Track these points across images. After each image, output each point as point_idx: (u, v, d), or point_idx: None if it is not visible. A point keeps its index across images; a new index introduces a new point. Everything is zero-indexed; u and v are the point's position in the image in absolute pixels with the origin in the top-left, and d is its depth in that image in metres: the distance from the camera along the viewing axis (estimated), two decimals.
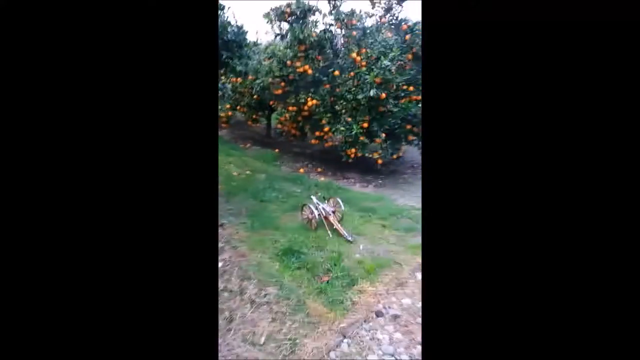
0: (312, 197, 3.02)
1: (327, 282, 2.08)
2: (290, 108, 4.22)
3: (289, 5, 3.77)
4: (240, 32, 2.69)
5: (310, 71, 3.87)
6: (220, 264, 2.20)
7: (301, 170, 4.54)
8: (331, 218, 2.75)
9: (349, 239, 2.62)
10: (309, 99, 4.01)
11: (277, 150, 5.27)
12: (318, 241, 2.57)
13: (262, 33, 6.03)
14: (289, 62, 3.93)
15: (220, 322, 1.71)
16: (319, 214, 2.74)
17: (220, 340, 1.57)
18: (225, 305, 1.84)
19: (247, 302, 1.87)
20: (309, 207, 2.74)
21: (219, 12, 2.54)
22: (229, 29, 2.58)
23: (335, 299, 1.94)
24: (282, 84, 4.02)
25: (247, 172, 4.32)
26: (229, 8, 2.57)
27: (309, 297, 1.94)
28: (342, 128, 3.88)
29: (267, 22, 3.77)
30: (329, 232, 2.69)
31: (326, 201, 2.99)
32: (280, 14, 3.76)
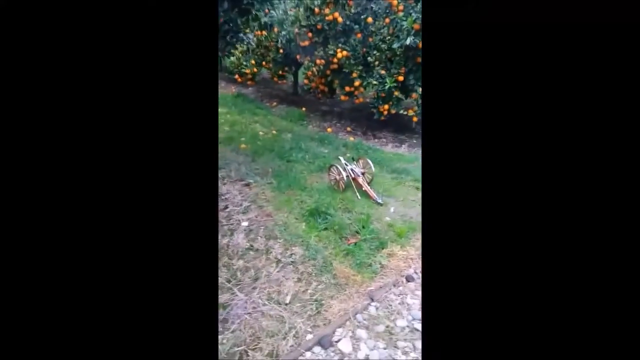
0: (339, 157, 2.87)
1: (355, 244, 2.01)
2: (318, 61, 3.93)
3: None
4: None
5: (340, 19, 3.51)
6: (246, 223, 2.19)
7: (329, 129, 4.35)
8: (360, 179, 2.62)
9: (379, 201, 2.50)
10: (338, 50, 3.69)
11: (303, 108, 5.07)
12: (346, 203, 2.47)
13: None
14: (316, 10, 3.58)
15: (246, 280, 1.71)
16: (347, 175, 2.60)
17: (245, 298, 1.58)
18: (250, 263, 1.84)
19: (273, 262, 1.86)
20: (337, 168, 2.60)
21: None
22: None
23: (364, 262, 1.87)
24: (310, 34, 3.71)
25: (273, 131, 4.21)
26: None
27: (336, 259, 1.89)
28: (375, 82, 3.57)
29: None
30: (357, 194, 2.58)
31: (355, 162, 2.83)
32: None
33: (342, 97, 4.18)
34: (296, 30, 3.65)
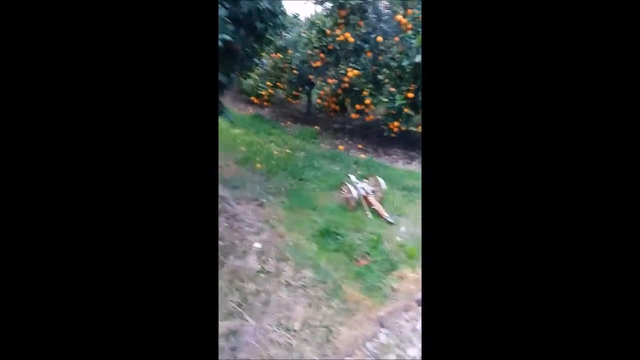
0: (350, 175, 2.87)
1: (365, 266, 1.98)
2: (330, 81, 4.00)
3: None
4: None
5: (351, 39, 3.58)
6: (258, 245, 2.21)
7: (340, 147, 4.37)
8: (371, 198, 2.60)
9: (390, 220, 2.46)
10: (349, 69, 3.74)
11: (316, 127, 5.14)
12: (356, 222, 2.45)
13: (302, 4, 5.70)
14: (328, 31, 3.67)
15: (257, 304, 1.71)
16: (357, 194, 2.60)
17: (255, 324, 1.57)
18: (262, 287, 1.84)
19: (283, 285, 1.85)
20: (347, 186, 2.60)
21: None
22: None
23: (374, 285, 1.84)
24: (321, 55, 3.80)
25: (287, 150, 4.27)
26: None
27: (346, 282, 1.86)
28: (385, 99, 3.59)
29: None
30: (368, 212, 2.55)
31: (365, 180, 2.82)
32: None
33: (353, 115, 4.20)
34: (308, 51, 3.74)
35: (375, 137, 4.52)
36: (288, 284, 1.86)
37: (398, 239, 2.29)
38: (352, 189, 2.56)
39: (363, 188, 2.65)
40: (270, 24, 2.52)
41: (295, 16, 4.92)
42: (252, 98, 5.51)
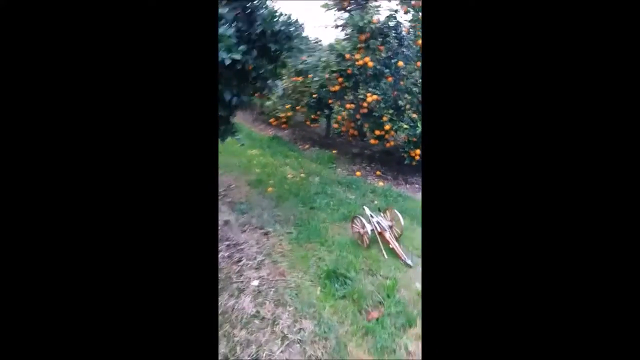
0: (365, 207, 2.58)
1: (377, 320, 1.65)
2: (348, 105, 3.81)
3: None
4: (290, 22, 2.38)
5: (370, 63, 3.40)
6: (256, 283, 1.94)
7: (358, 173, 4.11)
8: (387, 234, 2.29)
9: (408, 262, 2.13)
10: (368, 94, 3.55)
11: (334, 151, 4.93)
12: (370, 263, 2.14)
13: (323, 28, 5.70)
14: (347, 56, 3.52)
15: (245, 358, 1.43)
16: (372, 229, 2.29)
17: None
18: (253, 336, 1.56)
19: (278, 337, 1.56)
20: (360, 220, 2.31)
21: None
22: (276, 19, 2.28)
23: (386, 345, 1.51)
24: (340, 79, 3.64)
25: (302, 174, 4.07)
26: None
27: (352, 340, 1.54)
28: (406, 126, 3.33)
29: (326, 11, 3.41)
30: (383, 251, 2.24)
31: (382, 213, 2.52)
32: (338, 2, 3.37)
33: (372, 141, 3.96)
34: (326, 75, 3.59)
35: (395, 164, 4.24)
36: (284, 336, 1.56)
37: (417, 285, 1.95)
38: (365, 223, 2.26)
39: (378, 223, 2.35)
40: (285, 46, 2.38)
41: (317, 41, 4.86)
42: (271, 120, 5.43)
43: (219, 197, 3.27)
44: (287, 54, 2.46)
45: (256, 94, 2.82)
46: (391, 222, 2.42)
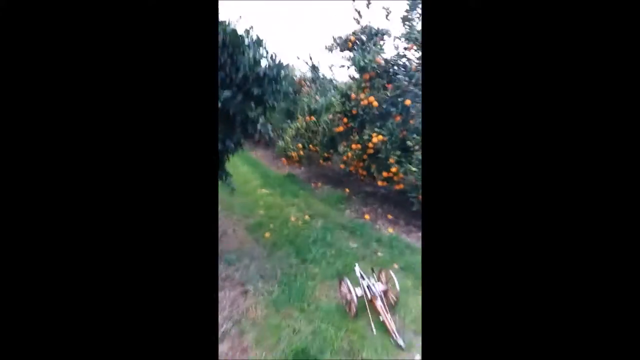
0: (356, 265, 2.22)
1: None
2: (354, 146, 3.57)
3: (354, 33, 3.25)
4: (276, 64, 2.26)
5: (375, 103, 3.19)
6: None
7: (366, 216, 3.75)
8: (378, 303, 1.89)
9: (400, 342, 1.71)
10: (373, 134, 3.29)
11: (347, 190, 4.64)
12: (353, 339, 1.75)
13: (337, 68, 5.66)
14: (353, 95, 3.35)
15: None
16: (361, 295, 1.92)
17: None
18: None
19: None
20: (346, 284, 1.95)
21: (246, 41, 2.18)
22: (257, 64, 2.17)
23: None
24: (345, 119, 3.44)
25: (306, 216, 3.80)
26: (251, 27, 2.18)
27: None
28: (414, 168, 2.98)
29: (329, 53, 3.32)
30: (372, 324, 1.84)
31: (374, 274, 2.14)
32: (343, 43, 3.27)
33: (380, 183, 3.63)
34: (330, 116, 3.42)
35: (409, 206, 3.83)
36: None
37: None
38: (351, 288, 1.90)
39: (370, 287, 1.97)
40: (268, 90, 2.25)
41: (332, 81, 4.81)
42: (282, 159, 5.34)
43: None
44: (273, 97, 2.33)
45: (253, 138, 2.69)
46: (386, 286, 2.02)
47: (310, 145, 5.10)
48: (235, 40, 2.13)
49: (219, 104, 2.06)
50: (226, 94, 2.14)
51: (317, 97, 4.69)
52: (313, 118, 4.90)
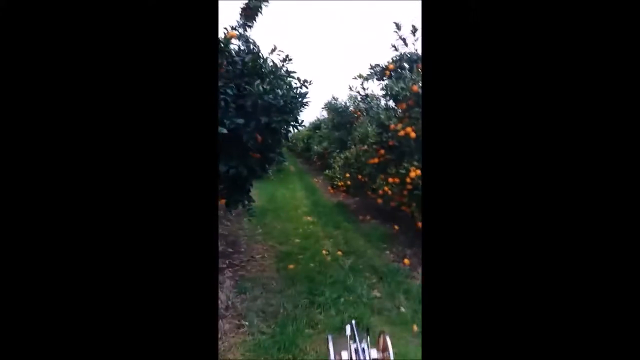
0: (351, 324, 1.88)
1: None
2: (391, 179, 3.23)
3: (393, 61, 3.04)
4: (285, 95, 2.23)
5: (413, 134, 2.85)
6: None
7: (406, 260, 3.28)
8: None
9: None
10: (412, 168, 2.92)
11: (395, 227, 4.20)
12: None
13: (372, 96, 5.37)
14: (392, 126, 3.08)
15: None
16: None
17: None
18: None
19: None
20: (329, 344, 1.65)
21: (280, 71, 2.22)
22: (269, 93, 2.16)
23: None
24: (381, 151, 3.17)
25: (339, 253, 3.56)
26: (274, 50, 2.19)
27: None
28: None
29: (362, 83, 3.16)
30: None
31: (367, 335, 1.76)
32: (381, 72, 3.07)
33: (418, 224, 3.15)
34: (365, 147, 3.20)
35: None
36: None
37: None
38: (331, 351, 1.59)
39: (359, 351, 1.62)
40: (277, 119, 2.21)
41: (368, 110, 4.61)
42: (329, 188, 5.24)
43: (236, 269, 3.12)
44: (286, 125, 2.28)
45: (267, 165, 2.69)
46: (382, 354, 1.64)
47: (359, 176, 4.89)
48: (272, 71, 2.20)
49: (224, 130, 2.10)
50: (240, 120, 2.18)
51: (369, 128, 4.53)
52: (365, 148, 4.72)
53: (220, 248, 3.66)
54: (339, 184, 4.88)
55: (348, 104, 4.78)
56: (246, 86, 2.16)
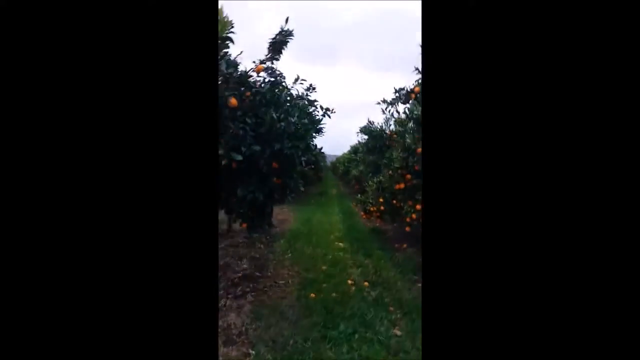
0: None
1: None
2: (418, 207, 3.01)
3: (419, 84, 2.93)
4: (296, 123, 2.26)
5: None
6: None
7: None
8: None
9: None
10: None
11: None
12: None
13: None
14: (418, 150, 2.92)
15: None
16: None
17: None
18: None
19: None
20: None
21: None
22: (281, 121, 2.22)
23: None
24: (408, 176, 2.99)
25: (365, 283, 3.36)
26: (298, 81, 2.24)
27: None
28: None
29: (386, 108, 3.07)
30: None
31: None
32: (406, 95, 2.97)
33: None
34: (389, 172, 3.05)
35: None
36: None
37: None
38: None
39: None
40: (289, 145, 2.24)
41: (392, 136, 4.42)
42: (362, 214, 5.07)
43: (258, 293, 3.12)
44: (298, 151, 2.29)
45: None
46: None
47: (394, 201, 4.65)
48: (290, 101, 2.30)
49: (239, 157, 2.18)
50: (256, 147, 2.26)
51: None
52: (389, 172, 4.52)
53: (248, 271, 3.72)
54: (371, 209, 4.70)
55: (384, 127, 4.69)
56: (262, 115, 2.26)
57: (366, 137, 4.89)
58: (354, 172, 7.80)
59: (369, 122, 4.72)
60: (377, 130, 4.30)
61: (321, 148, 2.48)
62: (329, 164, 19.85)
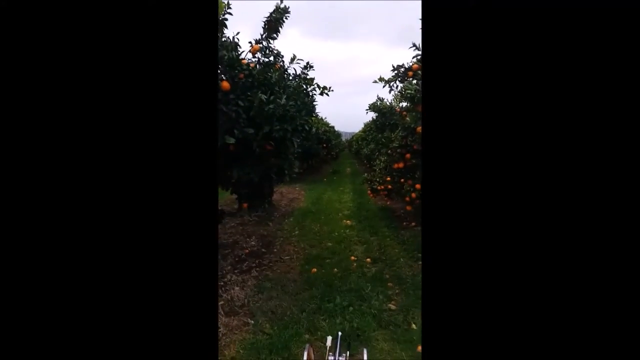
0: (337, 334, 1.80)
1: None
2: (418, 186, 2.97)
3: (417, 61, 2.79)
4: (286, 104, 2.26)
5: None
6: None
7: None
8: None
9: None
10: None
11: None
12: None
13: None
14: (418, 129, 2.85)
15: None
16: None
17: None
18: None
19: None
20: (306, 353, 1.62)
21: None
22: (269, 103, 2.22)
23: None
24: (408, 155, 2.93)
25: (367, 259, 3.44)
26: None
27: None
28: None
29: (384, 87, 2.96)
30: None
31: (348, 350, 1.66)
32: (404, 73, 2.84)
33: None
34: (389, 151, 3.01)
35: None
36: None
37: None
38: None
39: None
40: (277, 127, 2.25)
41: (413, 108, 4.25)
42: (368, 192, 5.06)
43: (263, 268, 3.28)
44: (287, 133, 2.30)
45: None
46: None
47: (402, 179, 4.60)
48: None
49: (232, 140, 2.23)
50: (249, 130, 2.30)
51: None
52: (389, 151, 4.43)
53: (255, 248, 3.90)
54: (378, 187, 4.68)
55: (394, 104, 4.56)
56: (249, 97, 2.27)
57: (376, 114, 4.78)
58: (365, 150, 7.70)
59: (378, 98, 4.58)
60: (387, 108, 4.18)
61: (311, 128, 2.46)
62: (344, 141, 19.57)
